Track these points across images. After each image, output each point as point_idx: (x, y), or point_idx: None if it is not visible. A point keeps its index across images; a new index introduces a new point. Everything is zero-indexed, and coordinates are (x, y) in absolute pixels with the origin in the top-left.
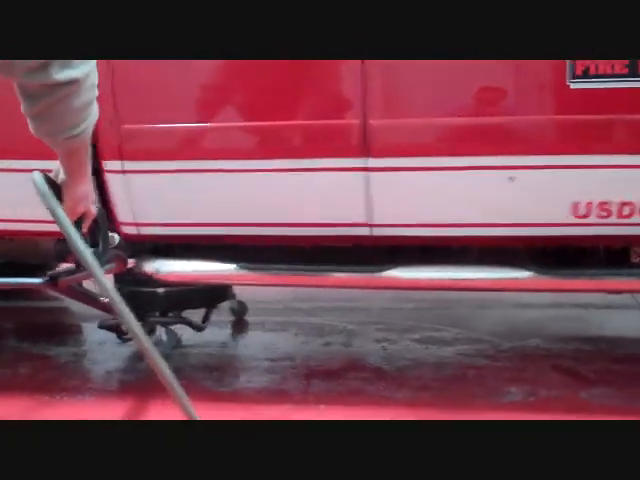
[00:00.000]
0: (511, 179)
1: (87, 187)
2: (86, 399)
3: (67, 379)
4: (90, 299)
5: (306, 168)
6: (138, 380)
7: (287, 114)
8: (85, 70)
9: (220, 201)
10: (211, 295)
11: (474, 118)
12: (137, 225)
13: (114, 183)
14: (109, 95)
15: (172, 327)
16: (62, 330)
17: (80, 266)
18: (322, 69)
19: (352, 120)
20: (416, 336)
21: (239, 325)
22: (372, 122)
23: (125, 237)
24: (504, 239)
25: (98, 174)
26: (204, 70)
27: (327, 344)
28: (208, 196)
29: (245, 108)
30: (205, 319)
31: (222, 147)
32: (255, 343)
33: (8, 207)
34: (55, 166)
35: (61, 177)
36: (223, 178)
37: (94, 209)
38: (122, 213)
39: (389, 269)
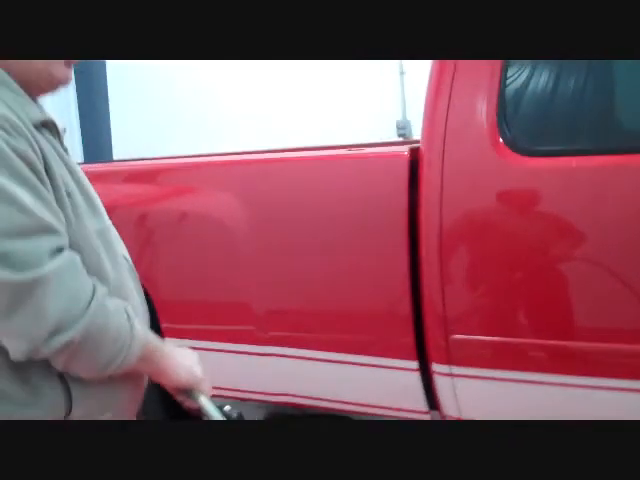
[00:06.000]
0: None
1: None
2: None
3: None
4: None
5: None
6: None
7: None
8: (78, 328)
9: (542, 415)
10: None
11: None
12: None
13: (441, 384)
14: (438, 304)
15: None
16: None
17: None
18: None
19: None
20: None
21: None
22: None
23: None
24: None
25: (427, 374)
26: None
27: None
28: (531, 406)
29: (572, 326)
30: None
31: (550, 362)
32: None
33: None
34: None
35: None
36: (548, 390)
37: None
38: (447, 410)
39: None
